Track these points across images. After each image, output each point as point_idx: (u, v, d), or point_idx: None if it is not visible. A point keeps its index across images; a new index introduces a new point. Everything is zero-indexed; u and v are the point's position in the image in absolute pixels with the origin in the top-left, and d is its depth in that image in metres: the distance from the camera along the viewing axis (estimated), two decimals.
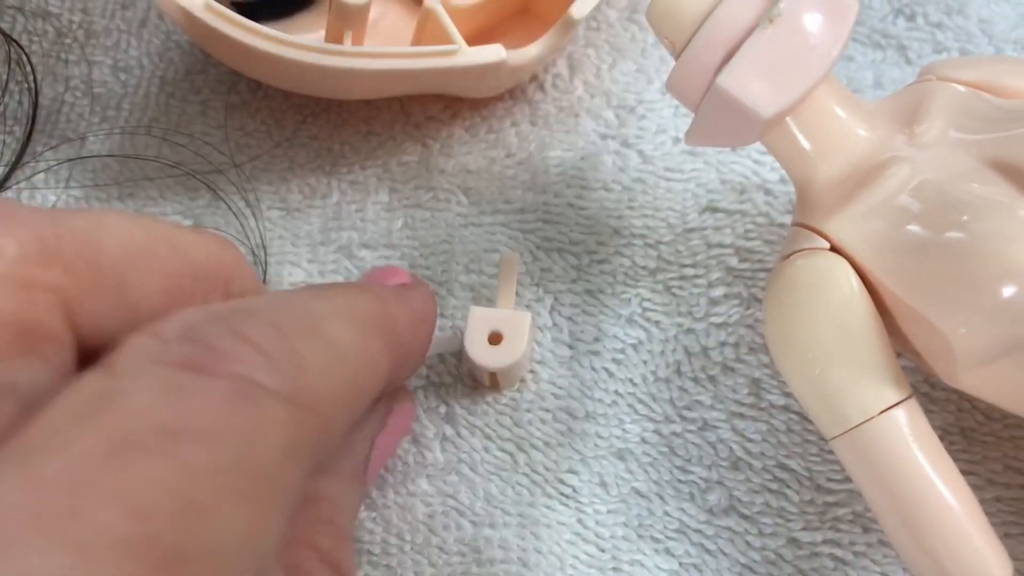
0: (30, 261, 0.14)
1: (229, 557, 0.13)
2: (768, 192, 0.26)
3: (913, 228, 0.20)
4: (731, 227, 0.26)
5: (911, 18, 0.28)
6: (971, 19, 0.28)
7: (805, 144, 0.21)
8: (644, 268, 0.26)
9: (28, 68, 0.29)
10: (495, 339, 0.24)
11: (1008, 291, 0.18)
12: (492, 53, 0.25)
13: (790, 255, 0.21)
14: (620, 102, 0.28)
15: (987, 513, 0.23)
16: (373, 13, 0.28)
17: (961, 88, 0.22)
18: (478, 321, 0.24)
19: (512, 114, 0.28)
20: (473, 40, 0.27)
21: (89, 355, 0.15)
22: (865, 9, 0.29)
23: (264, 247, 0.26)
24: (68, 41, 0.29)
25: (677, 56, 0.21)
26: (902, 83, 0.28)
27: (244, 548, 0.13)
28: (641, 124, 0.27)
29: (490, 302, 0.26)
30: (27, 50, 0.29)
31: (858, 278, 0.20)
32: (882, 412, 0.19)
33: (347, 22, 0.25)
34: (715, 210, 0.26)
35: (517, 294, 0.26)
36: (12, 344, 0.14)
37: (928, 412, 0.24)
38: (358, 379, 0.17)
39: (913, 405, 0.20)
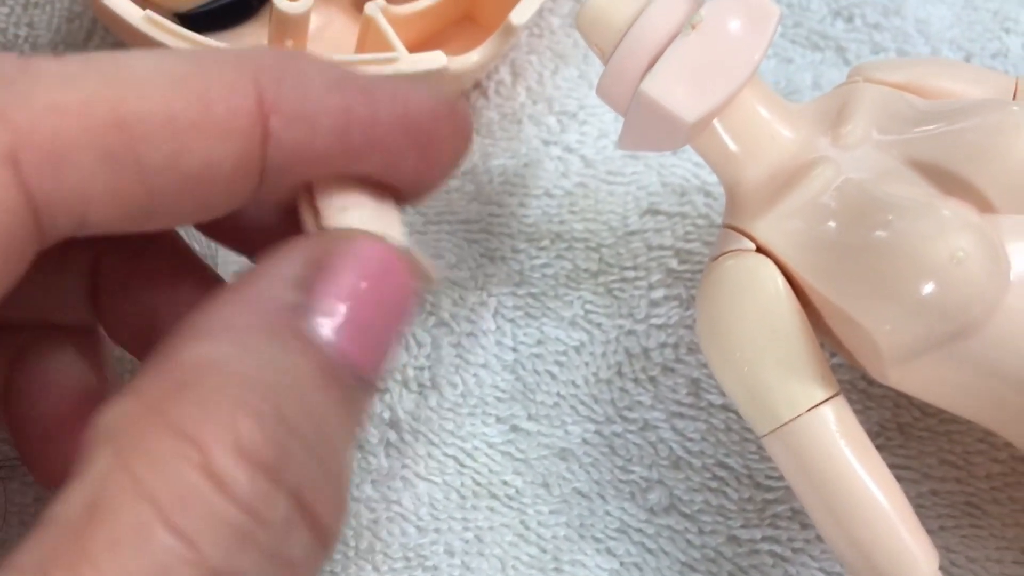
0: None
1: None
2: (708, 194, 0.26)
3: (836, 228, 0.20)
4: (671, 229, 0.26)
5: (849, 19, 0.29)
6: (908, 20, 0.29)
7: (732, 146, 0.21)
8: (586, 271, 0.26)
9: None
10: None
11: (928, 288, 0.19)
12: (432, 60, 0.26)
13: (718, 256, 0.21)
14: (562, 108, 0.28)
15: (922, 506, 0.24)
16: (317, 21, 0.28)
17: (886, 90, 0.22)
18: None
19: None
20: (416, 47, 0.27)
21: None
22: (803, 11, 0.29)
23: (216, 249, 0.27)
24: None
25: (605, 62, 0.22)
26: None
27: None
28: (583, 129, 0.28)
29: (432, 305, 0.26)
30: None
31: (784, 279, 0.20)
32: (810, 409, 0.20)
33: (287, 31, 0.25)
34: (656, 213, 0.26)
35: (460, 297, 0.26)
36: None
37: (866, 408, 0.25)
38: (135, 100, 0.14)
39: (841, 402, 0.20)
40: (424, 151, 0.16)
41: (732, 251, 0.21)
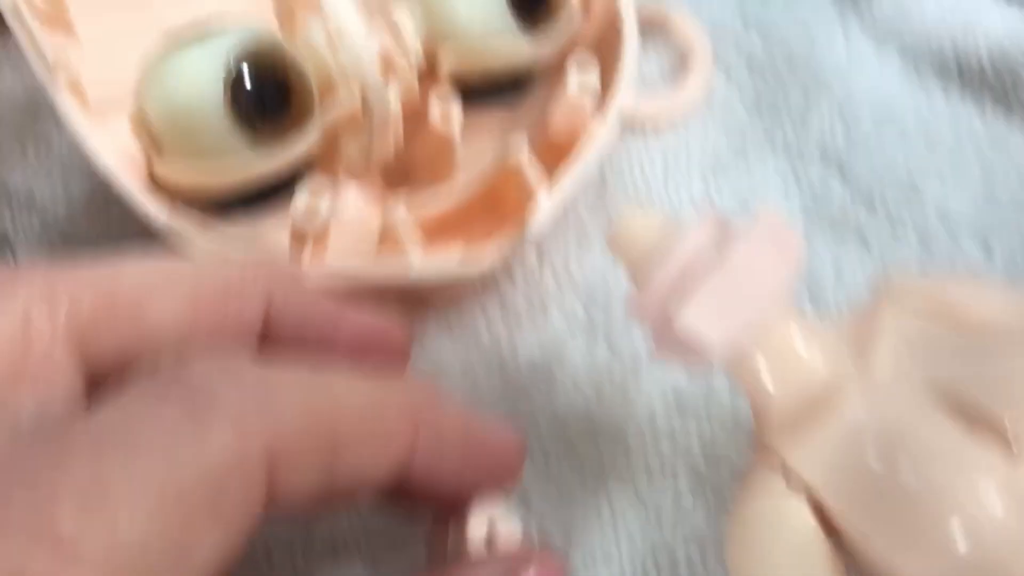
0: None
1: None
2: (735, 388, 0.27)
3: (866, 467, 0.20)
4: (698, 432, 0.26)
5: (871, 208, 0.29)
6: (928, 208, 0.29)
7: (763, 371, 0.22)
8: (612, 467, 0.26)
9: (12, 260, 0.30)
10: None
11: (956, 538, 0.19)
12: (446, 266, 0.26)
13: (749, 492, 0.21)
14: (588, 293, 0.28)
15: None
16: (344, 201, 0.28)
17: (914, 321, 0.22)
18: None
19: (483, 304, 0.28)
20: (439, 234, 0.28)
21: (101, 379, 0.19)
22: (825, 200, 0.29)
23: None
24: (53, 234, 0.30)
25: (634, 281, 0.22)
26: (862, 274, 0.28)
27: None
28: (608, 314, 0.28)
29: None
30: (13, 242, 0.30)
31: (814, 516, 0.20)
32: None
33: (303, 241, 0.26)
34: (683, 410, 0.26)
35: None
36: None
37: None
38: (342, 419, 0.18)
39: None
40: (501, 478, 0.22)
41: (763, 487, 0.21)
